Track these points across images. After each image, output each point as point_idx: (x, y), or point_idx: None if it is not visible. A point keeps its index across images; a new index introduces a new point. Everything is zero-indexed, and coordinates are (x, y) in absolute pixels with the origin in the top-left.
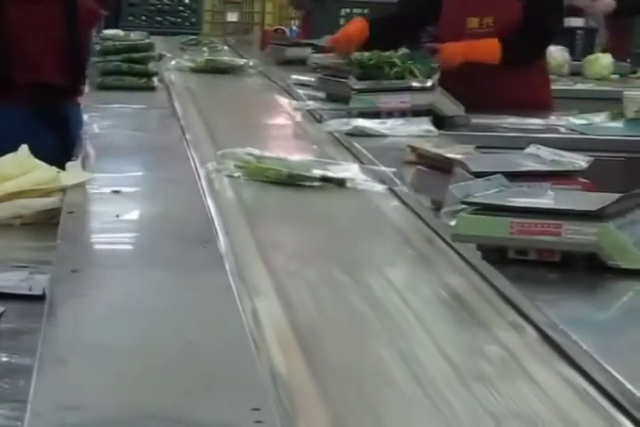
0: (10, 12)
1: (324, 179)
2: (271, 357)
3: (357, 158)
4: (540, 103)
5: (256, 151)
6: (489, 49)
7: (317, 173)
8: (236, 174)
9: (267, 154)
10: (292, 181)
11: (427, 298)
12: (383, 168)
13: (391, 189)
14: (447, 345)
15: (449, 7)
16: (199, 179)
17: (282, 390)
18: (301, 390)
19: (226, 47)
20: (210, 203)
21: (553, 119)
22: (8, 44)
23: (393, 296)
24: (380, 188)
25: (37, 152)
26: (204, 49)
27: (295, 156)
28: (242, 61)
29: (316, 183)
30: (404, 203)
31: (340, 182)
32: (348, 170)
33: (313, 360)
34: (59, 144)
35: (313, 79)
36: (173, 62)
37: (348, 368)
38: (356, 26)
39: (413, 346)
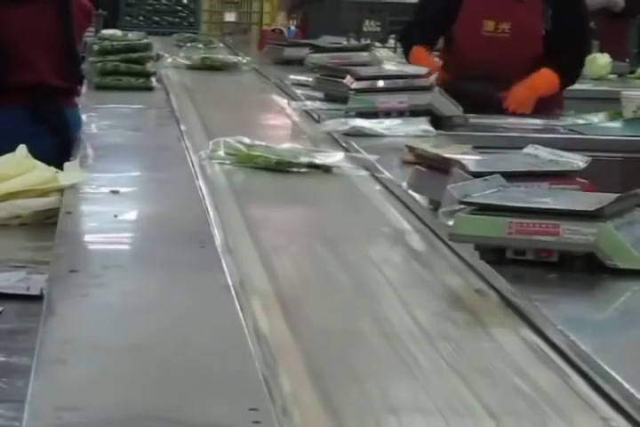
0: (5, 13)
1: (311, 165)
2: (256, 318)
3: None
4: (554, 103)
5: (246, 140)
6: (552, 82)
7: (304, 160)
8: (228, 161)
9: (257, 142)
10: (280, 167)
11: (400, 267)
12: (367, 156)
13: (374, 175)
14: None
15: (468, 8)
16: (197, 179)
17: (264, 347)
18: (282, 346)
19: (221, 44)
20: (203, 188)
21: (551, 119)
22: (5, 46)
23: (370, 267)
24: (363, 173)
25: (36, 153)
26: (200, 46)
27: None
28: (236, 59)
29: (303, 169)
30: (385, 187)
31: (327, 169)
32: (334, 157)
33: (294, 321)
34: (57, 145)
35: (311, 79)
36: (170, 60)
37: (326, 328)
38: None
39: (386, 310)
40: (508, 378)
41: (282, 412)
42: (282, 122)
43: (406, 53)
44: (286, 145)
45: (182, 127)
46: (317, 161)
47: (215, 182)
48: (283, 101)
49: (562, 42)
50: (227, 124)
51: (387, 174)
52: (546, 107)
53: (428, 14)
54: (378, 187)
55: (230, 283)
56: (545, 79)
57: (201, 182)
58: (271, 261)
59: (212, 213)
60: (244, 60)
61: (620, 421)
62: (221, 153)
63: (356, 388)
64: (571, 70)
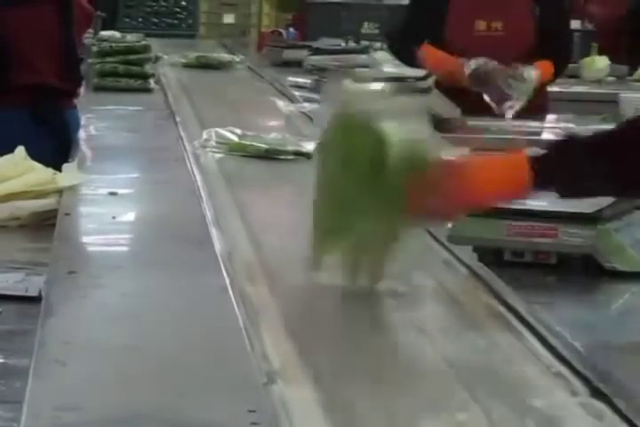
0: (6, 13)
1: (298, 153)
2: (242, 284)
3: None
4: (536, 106)
5: (237, 130)
6: (550, 73)
7: (291, 148)
8: (220, 150)
9: (247, 133)
10: (269, 155)
11: None
12: None
13: None
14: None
15: (456, 9)
16: (195, 180)
17: (249, 307)
18: (263, 305)
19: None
20: (196, 174)
21: (549, 121)
22: (5, 46)
23: None
24: None
25: (34, 154)
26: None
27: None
28: (230, 57)
29: (290, 157)
30: None
31: (311, 156)
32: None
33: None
34: (56, 146)
35: (309, 81)
36: (166, 57)
37: (302, 289)
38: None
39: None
40: None
41: (262, 358)
42: (278, 123)
43: (399, 55)
44: (274, 134)
45: (178, 118)
46: (304, 149)
47: (209, 169)
48: (280, 103)
49: (547, 41)
50: (224, 123)
51: None
52: (530, 107)
53: (417, 17)
54: None
55: (227, 281)
56: (545, 69)
57: (195, 169)
58: (259, 239)
59: (204, 197)
60: (238, 59)
61: (559, 367)
62: (214, 142)
63: (329, 343)
64: (558, 67)
